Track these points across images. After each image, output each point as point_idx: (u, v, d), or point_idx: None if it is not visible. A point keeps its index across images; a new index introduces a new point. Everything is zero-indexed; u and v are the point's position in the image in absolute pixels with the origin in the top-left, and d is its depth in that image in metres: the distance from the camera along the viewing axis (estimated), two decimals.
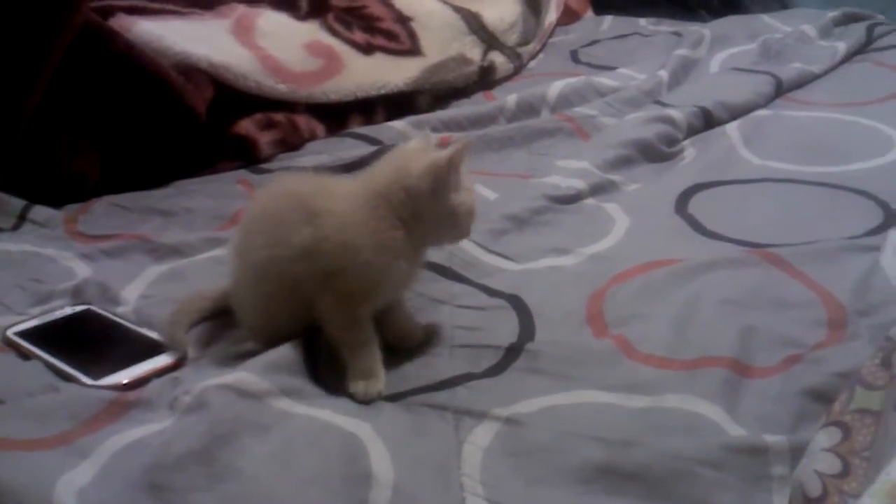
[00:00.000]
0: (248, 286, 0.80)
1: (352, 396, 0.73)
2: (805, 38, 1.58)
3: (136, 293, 0.94)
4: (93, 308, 0.89)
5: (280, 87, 1.33)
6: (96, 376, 0.77)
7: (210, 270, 0.96)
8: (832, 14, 1.66)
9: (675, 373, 0.75)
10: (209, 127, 1.26)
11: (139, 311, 0.90)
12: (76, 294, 0.91)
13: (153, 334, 0.84)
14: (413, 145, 0.80)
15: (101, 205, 1.13)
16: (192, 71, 1.25)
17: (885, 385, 0.66)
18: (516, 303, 0.86)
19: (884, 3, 1.83)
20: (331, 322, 0.76)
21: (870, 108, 1.31)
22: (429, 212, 0.76)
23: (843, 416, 0.65)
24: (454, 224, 0.78)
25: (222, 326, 0.85)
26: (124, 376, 0.77)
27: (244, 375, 0.71)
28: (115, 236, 1.04)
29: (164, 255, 1.01)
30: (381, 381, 0.75)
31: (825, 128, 1.27)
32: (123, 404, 0.73)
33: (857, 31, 1.58)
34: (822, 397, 0.70)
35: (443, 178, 0.75)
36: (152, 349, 0.82)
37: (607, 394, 0.73)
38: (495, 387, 0.74)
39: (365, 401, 0.73)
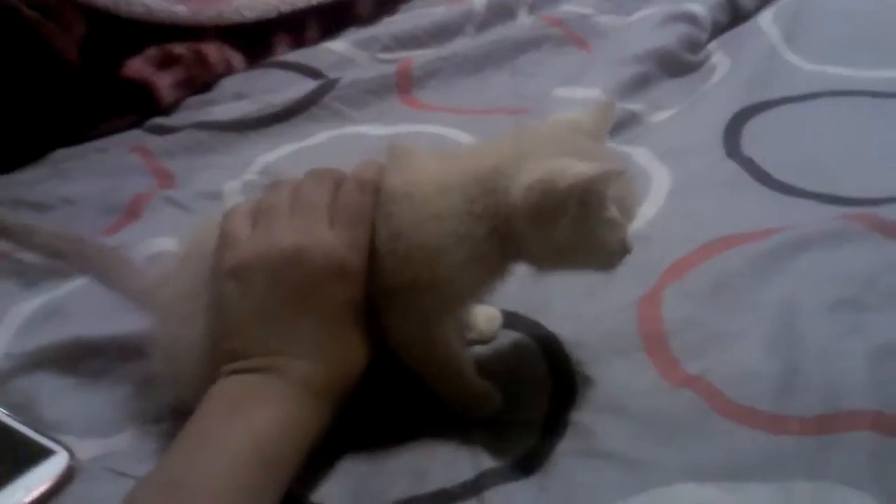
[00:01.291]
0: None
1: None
2: None
3: (1, 348, 0.66)
4: None
5: (178, 9, 1.01)
6: None
7: (102, 301, 0.68)
8: None
9: (797, 440, 0.51)
10: (88, 74, 0.95)
11: (5, 380, 0.62)
12: None
13: (25, 429, 0.57)
14: (556, 125, 0.55)
15: None
16: (54, 2, 0.92)
17: None
18: (539, 334, 0.61)
19: None
20: (409, 351, 0.53)
21: None
22: (529, 240, 0.50)
23: None
24: (572, 262, 0.53)
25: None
26: None
27: None
28: None
29: (36, 279, 0.73)
30: (496, 395, 0.55)
31: (880, 11, 1.00)
32: None
33: None
34: None
35: (555, 209, 0.48)
36: (24, 461, 0.54)
37: (711, 488, 0.48)
38: (542, 496, 0.50)
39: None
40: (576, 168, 0.48)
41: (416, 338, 0.52)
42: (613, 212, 0.50)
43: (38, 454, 0.55)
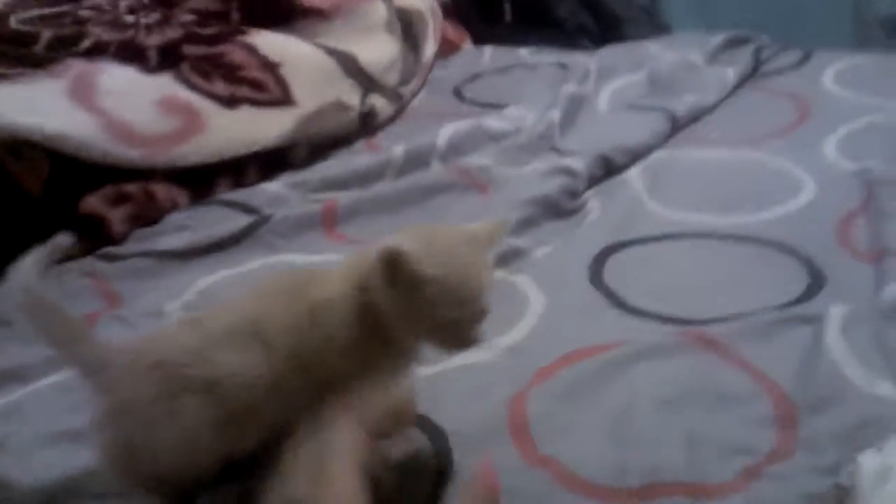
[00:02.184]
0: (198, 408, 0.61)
1: None
2: (692, 67, 1.52)
3: None
4: None
5: (131, 155, 1.15)
6: None
7: (55, 402, 0.79)
8: (717, 40, 1.61)
9: None
10: (49, 208, 1.08)
11: None
12: None
13: None
14: (441, 227, 0.66)
15: None
16: (21, 145, 1.07)
17: None
18: (427, 426, 0.74)
19: (759, 20, 1.82)
20: None
21: (768, 143, 1.26)
22: (392, 314, 0.60)
23: None
24: (434, 334, 0.62)
25: None
26: None
27: None
28: None
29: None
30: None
31: (728, 170, 1.20)
32: None
33: (744, 56, 1.54)
34: None
35: (372, 278, 0.59)
36: None
37: None
38: None
39: None
40: (390, 242, 0.57)
41: None
42: (432, 290, 0.57)
43: None
